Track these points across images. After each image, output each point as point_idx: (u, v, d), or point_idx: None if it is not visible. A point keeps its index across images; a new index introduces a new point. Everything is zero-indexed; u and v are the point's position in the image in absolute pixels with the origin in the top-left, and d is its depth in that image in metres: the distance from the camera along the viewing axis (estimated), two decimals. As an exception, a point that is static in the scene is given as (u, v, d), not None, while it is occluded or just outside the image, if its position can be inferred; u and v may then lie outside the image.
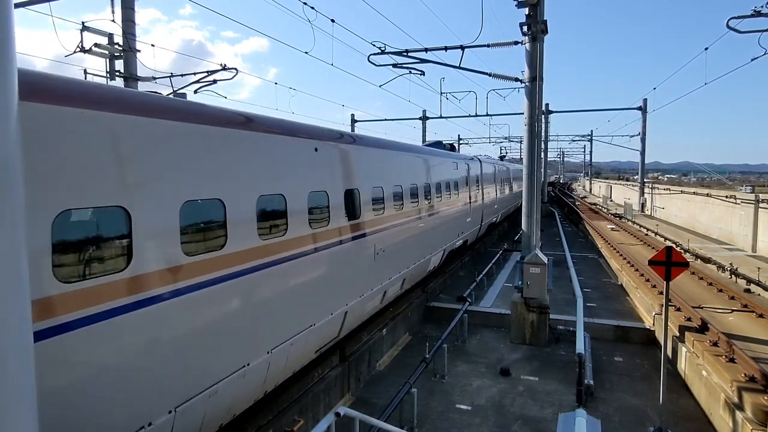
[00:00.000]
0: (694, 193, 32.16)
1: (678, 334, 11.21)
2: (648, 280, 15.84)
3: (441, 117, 34.31)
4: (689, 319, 11.56)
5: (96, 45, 13.51)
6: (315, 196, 7.94)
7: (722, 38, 16.84)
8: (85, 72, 13.61)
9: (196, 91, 15.65)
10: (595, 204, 50.92)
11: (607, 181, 78.59)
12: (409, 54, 14.92)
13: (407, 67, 16.06)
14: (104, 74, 13.74)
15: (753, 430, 7.33)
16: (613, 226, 30.70)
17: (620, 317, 13.96)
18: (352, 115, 44.14)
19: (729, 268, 17.01)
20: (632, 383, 10.35)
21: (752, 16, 14.35)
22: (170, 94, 10.26)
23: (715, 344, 9.94)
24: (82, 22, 13.23)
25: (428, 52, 14.66)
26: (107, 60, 13.97)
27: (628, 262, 18.90)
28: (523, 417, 8.92)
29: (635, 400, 9.60)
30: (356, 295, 9.46)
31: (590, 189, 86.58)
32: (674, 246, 15.29)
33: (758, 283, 14.92)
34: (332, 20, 13.99)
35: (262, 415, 7.24)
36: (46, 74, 4.54)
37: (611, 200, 59.22)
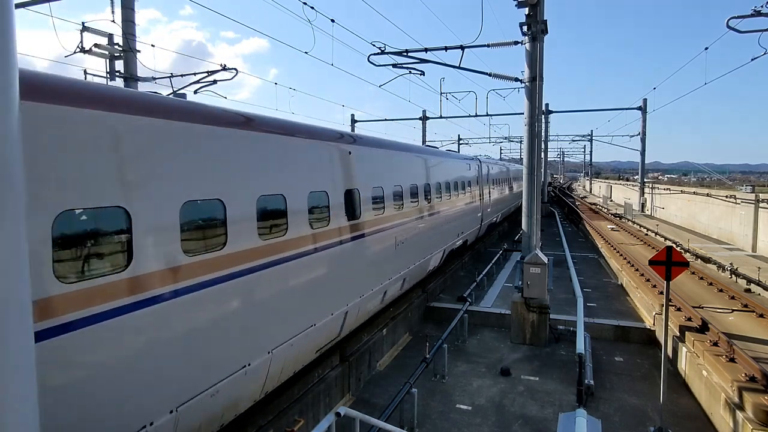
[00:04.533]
0: (694, 192, 32.16)
1: (678, 333, 11.20)
2: (648, 280, 15.84)
3: (441, 117, 34.33)
4: (689, 319, 11.56)
5: (96, 45, 13.48)
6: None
7: (722, 38, 16.86)
8: (85, 72, 13.61)
9: (196, 92, 15.63)
10: (595, 204, 50.90)
11: (607, 181, 78.54)
12: (409, 54, 14.91)
13: (407, 67, 16.05)
14: (104, 75, 13.74)
15: (753, 429, 7.33)
16: (613, 226, 30.69)
17: (620, 317, 13.96)
18: (352, 116, 44.15)
19: (729, 268, 17.01)
20: (632, 383, 10.35)
21: (752, 15, 14.35)
22: (170, 94, 10.25)
23: (715, 344, 9.93)
24: (82, 23, 13.22)
25: (428, 52, 14.65)
26: (107, 60, 13.95)
27: (629, 262, 18.90)
28: (524, 417, 8.92)
29: (635, 399, 9.60)
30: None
31: (590, 189, 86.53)
32: (674, 246, 15.28)
33: (758, 283, 14.91)
34: (332, 20, 13.99)
35: (262, 415, 7.24)
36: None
37: (611, 200, 59.18)
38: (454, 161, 18.43)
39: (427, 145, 20.01)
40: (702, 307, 12.77)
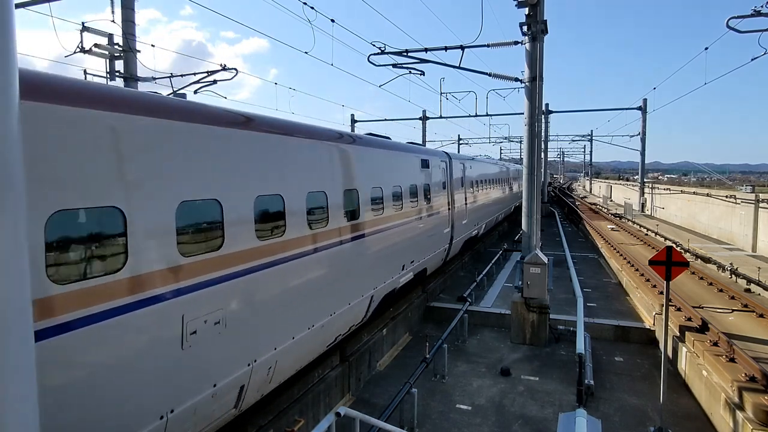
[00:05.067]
0: (694, 192, 32.17)
1: (678, 333, 11.21)
2: (648, 280, 15.84)
3: (441, 117, 34.36)
4: (689, 319, 11.56)
5: (96, 45, 13.48)
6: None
7: (722, 38, 16.87)
8: (85, 72, 13.61)
9: (196, 92, 15.63)
10: (595, 204, 50.91)
11: (607, 181, 78.55)
12: (409, 54, 14.92)
13: (407, 67, 16.06)
14: (104, 74, 13.74)
15: (753, 429, 7.33)
16: (613, 226, 30.70)
17: (620, 317, 13.97)
18: (352, 116, 44.16)
19: (729, 268, 17.01)
20: (632, 383, 10.35)
21: (752, 15, 14.35)
22: (170, 94, 10.26)
23: (715, 344, 9.93)
24: (82, 23, 13.21)
25: (428, 52, 14.66)
26: (107, 60, 13.95)
27: (628, 262, 18.90)
28: (524, 417, 8.92)
29: (635, 399, 9.60)
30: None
31: (590, 189, 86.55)
32: (674, 246, 15.28)
33: (758, 283, 14.91)
34: (332, 20, 14.00)
35: (262, 415, 7.25)
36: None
37: (611, 200, 59.19)
38: (395, 157, 12.22)
39: (371, 134, 12.53)
40: (702, 307, 12.77)
